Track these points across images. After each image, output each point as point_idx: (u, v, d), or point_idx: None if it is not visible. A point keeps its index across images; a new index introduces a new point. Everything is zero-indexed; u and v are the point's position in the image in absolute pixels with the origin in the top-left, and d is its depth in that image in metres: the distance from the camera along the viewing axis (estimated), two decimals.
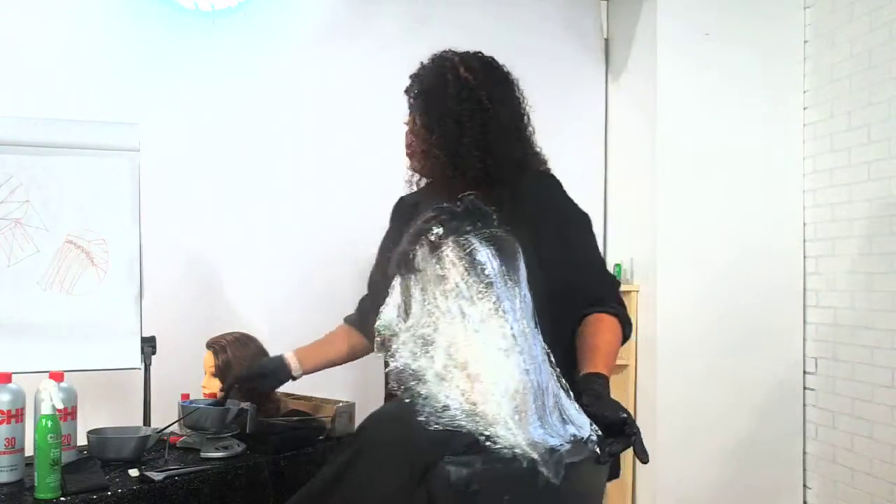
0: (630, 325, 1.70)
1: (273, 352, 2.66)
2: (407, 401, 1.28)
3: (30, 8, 2.89)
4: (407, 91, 1.81)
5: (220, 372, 2.48)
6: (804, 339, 3.32)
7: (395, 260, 1.41)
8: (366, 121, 3.24)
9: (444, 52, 1.81)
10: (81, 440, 2.00)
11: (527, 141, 1.79)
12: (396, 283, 1.40)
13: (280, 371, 2.04)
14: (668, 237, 3.26)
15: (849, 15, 3.07)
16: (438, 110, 1.73)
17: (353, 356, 2.10)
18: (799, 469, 3.32)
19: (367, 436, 1.30)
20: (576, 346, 1.64)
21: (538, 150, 1.81)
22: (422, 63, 1.82)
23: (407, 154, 1.83)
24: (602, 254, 1.80)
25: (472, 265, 1.33)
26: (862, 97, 3.00)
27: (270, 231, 3.13)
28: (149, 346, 2.39)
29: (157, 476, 1.79)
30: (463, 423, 1.25)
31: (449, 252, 1.35)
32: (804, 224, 3.33)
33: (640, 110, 3.40)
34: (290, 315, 3.07)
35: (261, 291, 3.09)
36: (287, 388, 2.67)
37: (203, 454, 1.99)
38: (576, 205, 1.79)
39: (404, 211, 1.94)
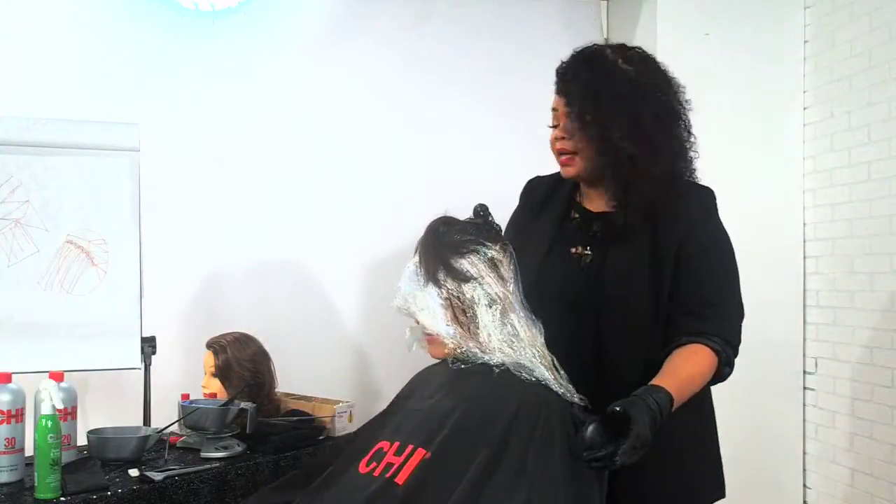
0: (730, 367, 1.60)
1: (273, 352, 2.67)
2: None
3: (30, 8, 2.89)
4: (559, 92, 1.67)
5: (220, 372, 2.49)
6: (804, 339, 3.32)
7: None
8: (366, 120, 3.25)
9: (590, 46, 1.68)
10: (81, 440, 2.01)
11: (690, 142, 1.68)
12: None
13: None
14: None
15: (849, 15, 3.07)
16: (613, 103, 1.59)
17: None
18: (799, 469, 3.32)
19: None
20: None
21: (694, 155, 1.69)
22: (565, 61, 1.68)
23: (561, 160, 1.67)
24: (739, 285, 1.70)
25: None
26: (862, 97, 3.00)
27: (271, 231, 3.13)
28: (149, 346, 2.39)
29: (157, 476, 1.79)
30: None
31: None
32: (804, 224, 3.32)
33: None
34: (290, 315, 3.08)
35: (261, 292, 3.09)
36: (287, 388, 2.68)
37: (203, 454, 1.99)
38: (724, 229, 1.72)
39: (535, 196, 1.84)
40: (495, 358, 1.50)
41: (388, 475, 1.41)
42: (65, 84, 2.88)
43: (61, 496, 1.66)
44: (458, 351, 1.52)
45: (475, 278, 1.52)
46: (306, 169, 3.18)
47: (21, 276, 2.24)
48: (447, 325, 1.52)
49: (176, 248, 2.95)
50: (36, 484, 1.66)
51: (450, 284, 1.53)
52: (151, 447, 2.02)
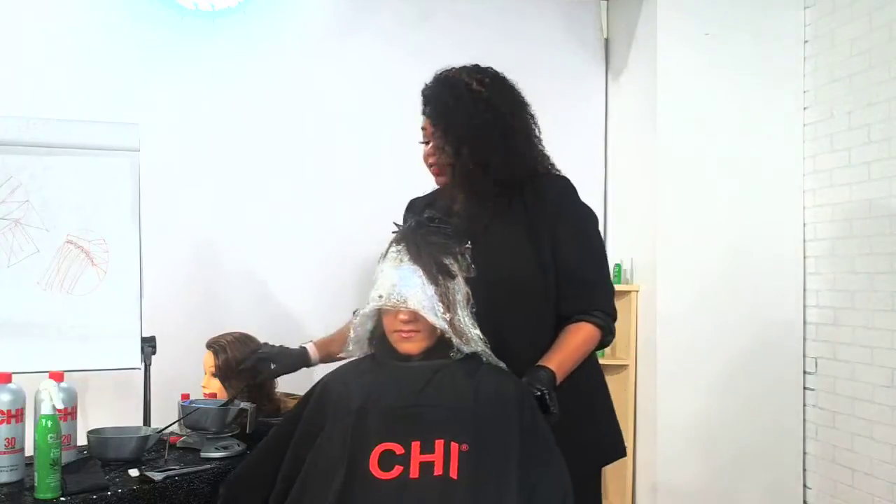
0: (612, 334, 1.82)
1: None
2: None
3: (30, 8, 2.89)
4: (425, 113, 1.89)
5: (220, 372, 2.48)
6: (804, 339, 3.32)
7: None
8: (366, 120, 3.25)
9: (448, 70, 1.92)
10: (81, 440, 2.00)
11: (538, 143, 1.90)
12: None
13: (301, 356, 2.11)
14: (668, 237, 3.26)
15: (849, 15, 3.07)
16: (462, 126, 1.81)
17: None
18: (799, 469, 3.32)
19: None
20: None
21: (546, 152, 1.91)
22: (428, 85, 1.91)
23: (432, 171, 1.91)
24: (607, 259, 1.90)
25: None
26: (862, 97, 3.00)
27: (271, 231, 3.13)
28: (149, 346, 2.39)
29: (157, 476, 1.79)
30: None
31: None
32: (804, 224, 3.33)
33: (641, 110, 3.40)
34: (290, 315, 3.07)
35: (261, 292, 3.09)
36: (287, 388, 2.67)
37: (203, 454, 1.99)
38: (588, 207, 1.88)
39: (416, 209, 2.00)
40: (472, 349, 1.65)
41: (437, 473, 1.49)
42: (65, 84, 2.88)
43: (61, 496, 1.66)
44: (454, 343, 1.64)
45: (456, 276, 1.67)
46: (306, 168, 3.18)
47: (21, 276, 2.23)
48: (443, 321, 1.62)
49: (176, 248, 2.95)
50: (36, 484, 1.66)
51: (442, 282, 1.64)
52: (151, 447, 2.01)
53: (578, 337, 1.77)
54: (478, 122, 1.81)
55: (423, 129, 1.90)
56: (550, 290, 1.80)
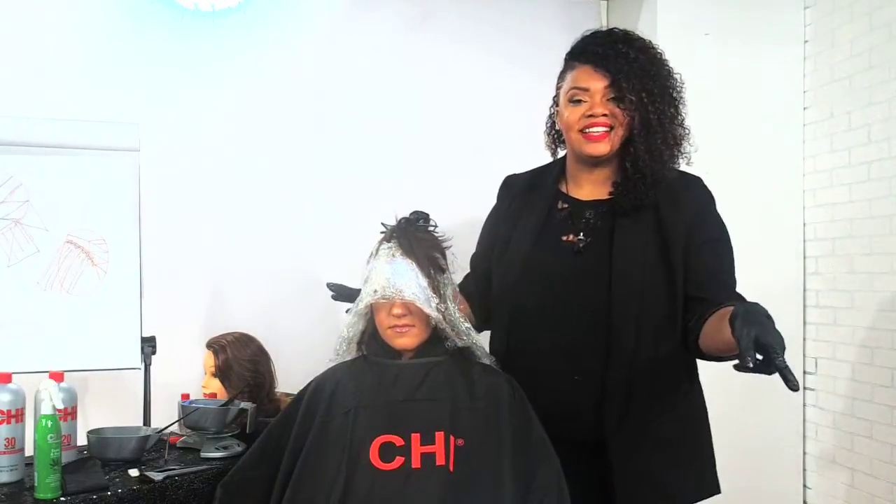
0: None
1: (273, 352, 2.67)
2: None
3: (30, 8, 2.89)
4: (606, 57, 1.70)
5: (220, 372, 2.49)
6: (804, 339, 3.32)
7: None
8: (366, 120, 3.25)
9: (616, 29, 1.75)
10: (81, 440, 2.01)
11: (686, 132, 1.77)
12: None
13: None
14: None
15: (849, 15, 3.07)
16: (657, 84, 1.68)
17: None
18: (799, 469, 3.32)
19: None
20: (701, 333, 1.62)
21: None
22: (591, 36, 1.73)
23: (597, 130, 1.69)
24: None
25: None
26: (862, 97, 3.00)
27: (271, 230, 3.13)
28: (149, 346, 2.39)
29: (157, 476, 1.79)
30: None
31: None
32: (804, 224, 3.32)
33: None
34: (290, 315, 3.07)
35: (261, 292, 3.09)
36: (287, 388, 2.68)
37: (203, 454, 1.99)
38: (723, 221, 1.81)
39: (514, 192, 1.89)
40: (465, 342, 1.68)
41: (439, 464, 1.53)
42: (65, 84, 2.88)
43: (61, 496, 1.66)
44: (448, 335, 1.67)
45: (446, 271, 1.71)
46: (306, 168, 3.18)
47: (21, 276, 2.23)
48: (437, 313, 1.65)
49: (176, 247, 2.95)
50: (36, 484, 1.66)
51: (434, 274, 1.67)
52: (151, 447, 2.02)
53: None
54: (667, 87, 1.69)
55: (582, 88, 1.70)
56: (679, 291, 1.66)
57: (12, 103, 2.76)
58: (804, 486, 3.32)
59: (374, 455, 1.55)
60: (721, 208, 1.85)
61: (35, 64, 2.86)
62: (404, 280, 1.64)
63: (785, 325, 3.37)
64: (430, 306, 1.63)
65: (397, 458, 1.55)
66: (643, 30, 3.36)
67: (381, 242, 1.74)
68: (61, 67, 2.89)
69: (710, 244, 1.71)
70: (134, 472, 1.83)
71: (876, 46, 2.93)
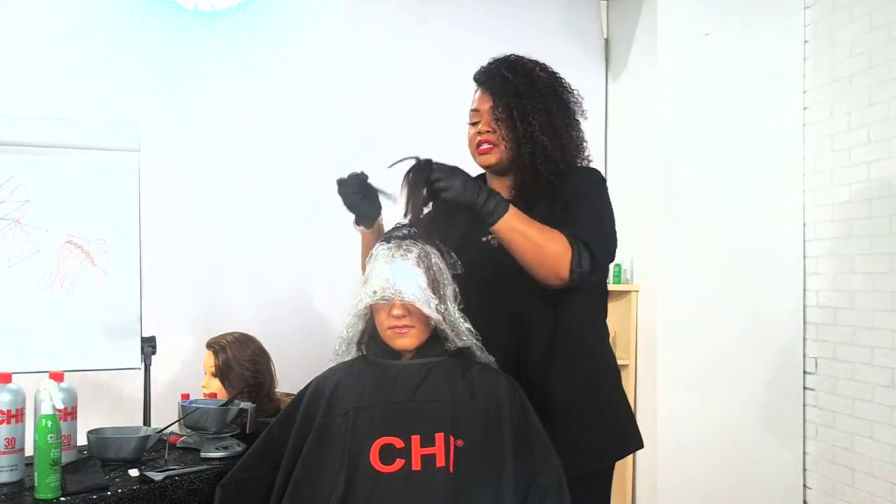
0: (580, 268, 1.69)
1: (273, 352, 2.66)
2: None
3: (30, 9, 2.89)
4: (486, 89, 1.91)
5: (220, 372, 2.48)
6: (804, 339, 3.32)
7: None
8: (366, 120, 3.25)
9: (506, 55, 1.95)
10: (81, 440, 2.00)
11: (583, 136, 1.94)
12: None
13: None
14: (668, 237, 3.25)
15: (849, 15, 3.07)
16: (529, 104, 1.85)
17: None
18: (799, 469, 3.32)
19: None
20: None
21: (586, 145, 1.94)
22: (485, 67, 1.94)
23: (480, 150, 1.91)
24: (613, 228, 1.87)
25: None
26: (862, 97, 3.00)
27: (271, 231, 3.13)
28: (149, 346, 2.39)
29: (157, 476, 1.79)
30: None
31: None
32: (804, 224, 3.33)
33: (640, 110, 3.40)
34: (290, 315, 3.07)
35: (261, 292, 3.09)
36: (287, 388, 2.68)
37: (203, 454, 1.99)
38: (607, 195, 1.89)
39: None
40: (464, 343, 1.68)
41: (439, 465, 1.53)
42: (65, 84, 2.88)
43: (61, 496, 1.66)
44: (448, 336, 1.67)
45: (445, 273, 1.71)
46: (306, 167, 3.18)
47: (21, 276, 2.23)
48: (437, 313, 1.64)
49: (176, 247, 2.95)
50: (36, 484, 1.66)
51: (433, 275, 1.67)
52: (151, 447, 2.01)
53: (549, 230, 1.70)
54: (543, 103, 1.85)
55: (475, 109, 1.93)
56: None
57: (12, 103, 2.76)
58: (804, 486, 3.32)
59: (374, 457, 1.55)
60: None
61: (35, 64, 2.87)
62: (404, 281, 1.64)
63: (785, 325, 3.42)
64: (429, 307, 1.63)
65: (398, 460, 1.55)
66: (643, 30, 3.38)
67: (380, 243, 1.74)
68: (61, 67, 2.89)
69: (573, 200, 1.82)
70: (134, 472, 1.82)
71: (876, 46, 2.93)
